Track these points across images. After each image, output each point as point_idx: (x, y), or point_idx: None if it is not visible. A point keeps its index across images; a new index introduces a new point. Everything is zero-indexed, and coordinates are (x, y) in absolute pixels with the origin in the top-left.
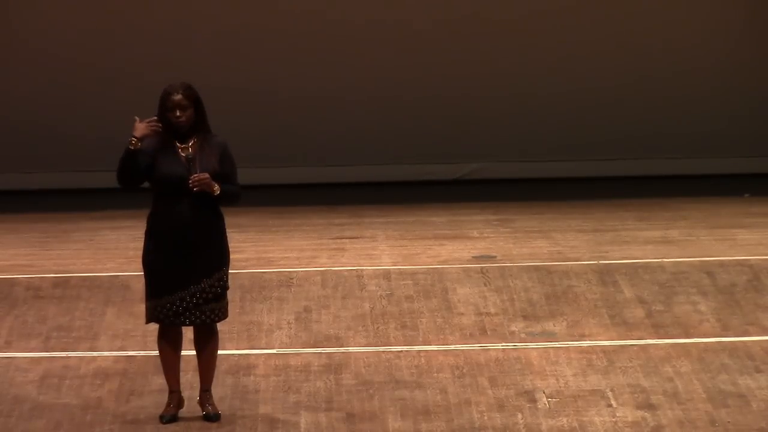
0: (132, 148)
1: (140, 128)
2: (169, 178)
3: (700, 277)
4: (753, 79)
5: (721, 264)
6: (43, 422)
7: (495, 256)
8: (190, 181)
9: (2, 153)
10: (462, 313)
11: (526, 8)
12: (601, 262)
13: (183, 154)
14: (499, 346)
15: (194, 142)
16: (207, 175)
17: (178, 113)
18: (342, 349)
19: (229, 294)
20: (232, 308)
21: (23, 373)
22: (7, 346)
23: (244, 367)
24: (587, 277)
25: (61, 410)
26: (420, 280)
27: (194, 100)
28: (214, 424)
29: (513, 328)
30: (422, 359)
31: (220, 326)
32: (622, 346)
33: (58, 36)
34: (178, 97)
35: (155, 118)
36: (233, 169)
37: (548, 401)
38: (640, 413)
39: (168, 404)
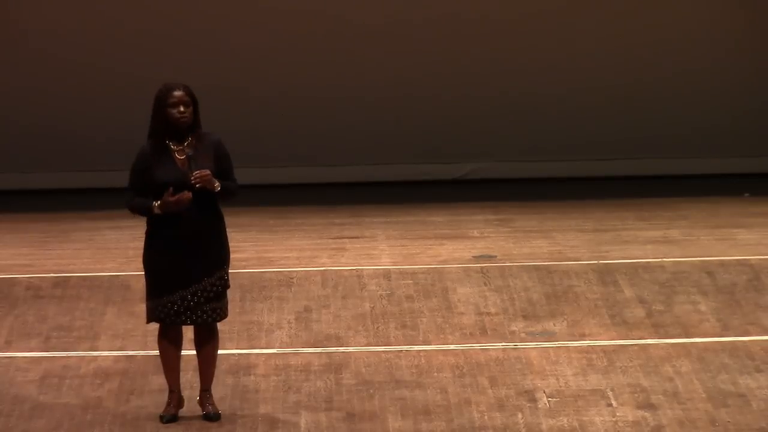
0: (156, 213)
1: (172, 206)
2: (166, 181)
3: (701, 276)
4: (753, 79)
5: (722, 264)
6: (43, 422)
7: (495, 256)
8: (192, 178)
9: (2, 153)
10: (462, 313)
11: (527, 8)
12: (601, 261)
13: (180, 156)
14: (499, 345)
15: (190, 140)
16: (208, 172)
17: (182, 109)
18: (342, 349)
19: (229, 294)
20: (232, 308)
21: (23, 373)
22: (7, 346)
23: (244, 366)
24: (587, 276)
25: (61, 410)
26: (420, 279)
27: (192, 98)
28: (214, 424)
29: (513, 327)
30: (422, 359)
31: (220, 326)
32: (622, 346)
33: (59, 36)
34: (180, 93)
35: (186, 193)
36: (230, 165)
37: (548, 401)
38: (640, 413)
39: (168, 404)
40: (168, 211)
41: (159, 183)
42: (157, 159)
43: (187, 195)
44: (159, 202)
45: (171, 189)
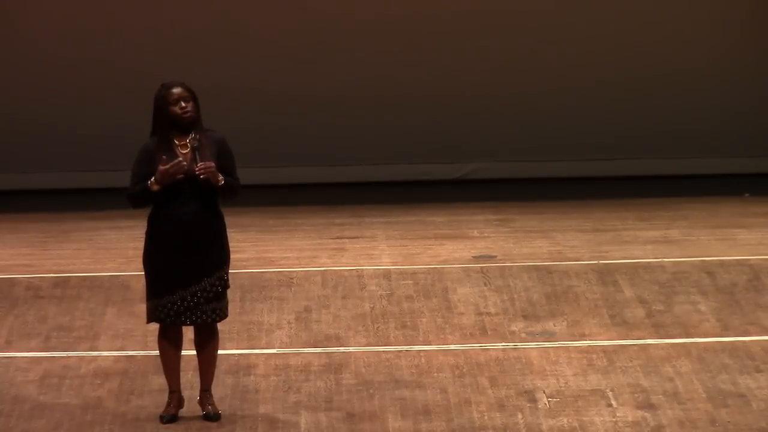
0: (154, 189)
1: (167, 176)
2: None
3: (701, 277)
4: (753, 79)
5: (722, 264)
6: (43, 422)
7: (495, 256)
8: (197, 169)
9: (2, 153)
10: (462, 313)
11: (527, 7)
12: (601, 262)
13: (183, 152)
14: (499, 345)
15: (192, 137)
16: (213, 164)
17: (183, 104)
18: (342, 349)
19: (229, 294)
20: (232, 308)
21: (23, 373)
22: (7, 346)
23: (244, 367)
24: (587, 276)
25: (61, 410)
26: (420, 279)
27: (193, 94)
28: (214, 424)
29: (513, 327)
30: (422, 359)
31: (220, 326)
32: (622, 346)
33: (60, 36)
34: (179, 89)
35: (180, 159)
36: (233, 164)
37: (548, 401)
38: (640, 413)
39: (168, 404)
40: (164, 181)
41: None
42: (160, 154)
43: (181, 162)
44: (153, 177)
45: (164, 158)
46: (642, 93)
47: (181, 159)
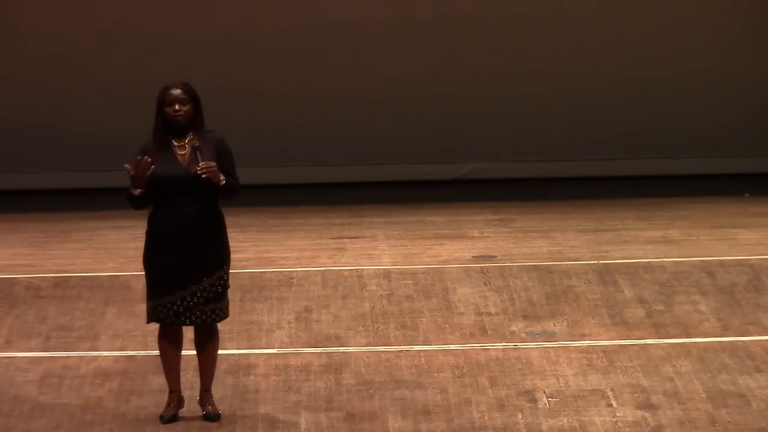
0: (136, 194)
1: (137, 178)
2: (167, 178)
3: (701, 276)
4: (753, 79)
5: (722, 264)
6: (43, 422)
7: (495, 256)
8: (198, 168)
9: (2, 153)
10: (462, 313)
11: (527, 7)
12: (601, 261)
13: (181, 153)
14: (499, 345)
15: (191, 138)
16: (214, 164)
17: (177, 107)
18: (342, 349)
19: (229, 294)
20: (232, 308)
21: (23, 373)
22: (7, 346)
23: (244, 366)
24: (587, 276)
25: (61, 410)
26: (420, 279)
27: (192, 96)
28: (214, 424)
29: (513, 327)
30: (422, 359)
31: (220, 326)
32: (622, 346)
33: (59, 36)
34: (176, 91)
35: (143, 156)
36: (233, 164)
37: (548, 401)
38: (640, 413)
39: (168, 404)
40: (139, 185)
41: (158, 177)
42: (158, 154)
43: (144, 159)
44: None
45: (127, 166)
46: (642, 93)
47: (141, 156)
